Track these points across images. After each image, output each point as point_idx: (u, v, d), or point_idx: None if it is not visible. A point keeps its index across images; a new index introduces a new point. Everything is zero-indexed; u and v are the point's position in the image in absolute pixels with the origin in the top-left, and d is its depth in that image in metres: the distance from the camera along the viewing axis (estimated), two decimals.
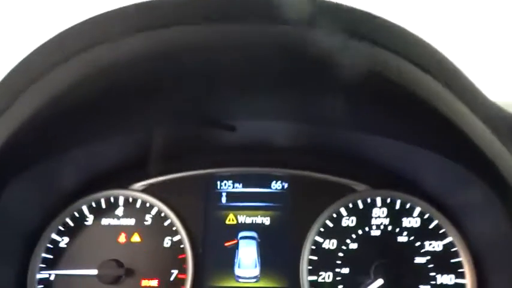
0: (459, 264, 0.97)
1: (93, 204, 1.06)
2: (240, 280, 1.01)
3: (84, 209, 1.06)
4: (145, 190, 1.08)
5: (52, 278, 1.00)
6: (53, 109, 0.65)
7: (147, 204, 1.06)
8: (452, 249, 0.99)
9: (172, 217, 1.05)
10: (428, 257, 0.99)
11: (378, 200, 1.04)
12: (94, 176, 1.06)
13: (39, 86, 0.63)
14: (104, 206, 1.06)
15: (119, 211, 1.06)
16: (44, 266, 1.00)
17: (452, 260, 0.98)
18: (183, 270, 1.01)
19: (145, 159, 1.07)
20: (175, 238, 1.03)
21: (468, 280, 0.96)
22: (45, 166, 0.89)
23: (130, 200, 1.07)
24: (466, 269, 0.97)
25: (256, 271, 1.02)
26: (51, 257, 1.01)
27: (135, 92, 0.71)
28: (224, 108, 0.81)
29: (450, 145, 0.78)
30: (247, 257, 1.03)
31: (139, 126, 0.85)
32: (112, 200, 1.07)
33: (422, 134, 0.84)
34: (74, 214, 1.05)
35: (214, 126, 0.84)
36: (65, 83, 0.62)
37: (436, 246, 1.00)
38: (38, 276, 0.99)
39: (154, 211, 1.06)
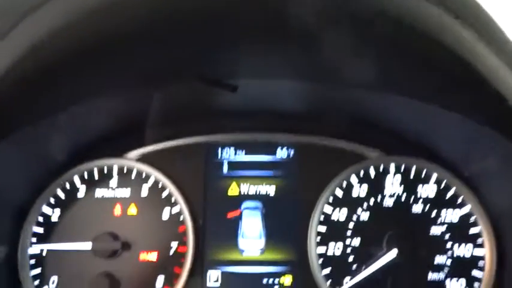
0: (477, 235, 0.91)
1: (85, 175, 0.99)
2: (244, 252, 0.95)
3: (76, 179, 0.99)
4: (141, 159, 1.00)
5: (44, 253, 0.94)
6: (32, 60, 0.56)
7: (143, 174, 0.99)
8: (471, 219, 0.93)
9: (171, 187, 0.98)
10: (445, 227, 0.92)
11: (391, 167, 0.97)
12: (85, 144, 0.98)
13: (17, 32, 0.54)
14: (96, 176, 0.99)
15: (113, 182, 0.99)
16: (35, 240, 0.94)
17: (470, 230, 0.92)
18: (183, 243, 0.95)
19: (140, 125, 0.99)
20: (174, 210, 0.97)
21: (487, 251, 0.90)
22: (30, 132, 0.81)
23: (125, 169, 0.99)
24: (485, 239, 0.91)
25: (261, 243, 0.96)
26: (42, 231, 0.95)
27: (126, 43, 0.61)
28: (226, 65, 0.72)
29: (474, 101, 0.70)
30: (251, 228, 0.97)
31: (132, 85, 0.76)
32: (105, 170, 0.99)
33: (443, 89, 0.75)
34: (65, 185, 0.98)
35: (215, 86, 0.75)
36: (45, 29, 0.53)
37: (454, 215, 0.93)
38: (30, 251, 0.94)
39: (151, 181, 0.98)
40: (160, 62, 0.68)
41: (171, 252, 0.94)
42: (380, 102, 0.89)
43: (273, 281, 0.93)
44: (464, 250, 0.91)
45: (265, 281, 0.94)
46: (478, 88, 0.62)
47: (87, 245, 0.92)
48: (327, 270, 0.92)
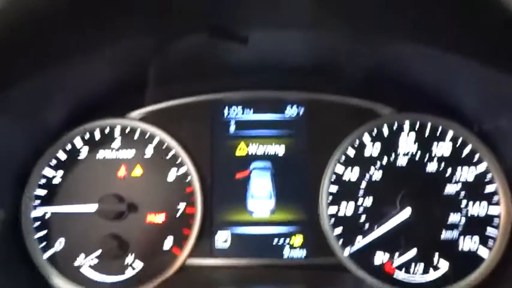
0: (493, 193, 0.89)
1: (87, 136, 0.95)
2: (253, 213, 0.93)
3: (77, 141, 0.95)
4: (144, 119, 0.96)
5: (48, 215, 0.92)
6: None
7: (147, 135, 0.95)
8: (487, 177, 0.90)
9: (176, 148, 0.94)
10: (460, 185, 0.90)
11: (406, 125, 0.93)
12: (85, 103, 0.93)
13: None
14: (98, 137, 0.95)
15: (116, 143, 0.95)
16: (38, 203, 0.92)
17: (486, 188, 0.90)
18: (191, 204, 0.92)
19: (143, 83, 0.94)
20: (181, 171, 0.94)
21: (503, 209, 0.88)
22: (28, 87, 0.76)
23: (128, 129, 0.95)
24: (501, 197, 0.89)
25: (271, 203, 0.93)
26: (45, 193, 0.92)
27: None
28: (236, 14, 0.66)
29: (496, 44, 0.65)
30: (260, 189, 0.94)
31: (138, 34, 0.70)
32: (107, 130, 0.95)
33: (464, 33, 0.70)
34: (66, 147, 0.94)
35: (225, 37, 0.69)
36: None
37: (469, 173, 0.90)
38: (33, 214, 0.91)
39: (155, 142, 0.95)
40: (167, 11, 0.62)
41: (179, 214, 0.92)
42: (395, 52, 0.84)
43: (283, 242, 0.92)
44: (479, 208, 0.89)
45: (275, 241, 0.92)
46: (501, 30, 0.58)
47: (92, 207, 0.90)
48: (339, 230, 0.90)
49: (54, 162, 0.94)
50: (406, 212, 0.87)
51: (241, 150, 0.96)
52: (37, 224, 0.91)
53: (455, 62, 0.78)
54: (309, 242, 0.92)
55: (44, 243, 0.91)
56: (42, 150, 0.94)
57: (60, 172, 0.93)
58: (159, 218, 0.92)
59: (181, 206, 0.93)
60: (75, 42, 0.65)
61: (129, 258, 0.90)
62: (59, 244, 0.91)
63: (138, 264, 0.90)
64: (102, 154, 0.94)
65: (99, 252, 0.89)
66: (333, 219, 0.91)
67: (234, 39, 0.70)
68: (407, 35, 0.76)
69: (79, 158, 0.94)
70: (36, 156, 0.94)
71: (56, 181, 0.93)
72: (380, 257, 0.89)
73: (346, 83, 0.96)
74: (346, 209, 0.91)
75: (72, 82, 0.84)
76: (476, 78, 0.82)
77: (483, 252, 0.87)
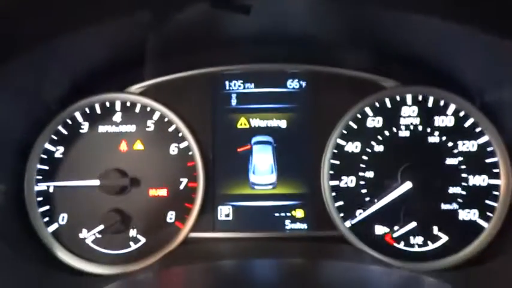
0: (494, 165, 0.90)
1: (87, 110, 0.94)
2: (255, 187, 0.94)
3: (77, 115, 0.94)
4: (144, 93, 0.95)
5: (51, 189, 0.92)
6: None
7: (148, 109, 0.95)
8: (488, 149, 0.90)
9: (178, 122, 0.94)
10: (461, 158, 0.90)
11: (408, 98, 0.93)
12: (84, 77, 0.92)
13: None
14: (99, 111, 0.94)
15: (117, 117, 0.94)
16: (40, 178, 0.92)
17: (487, 160, 0.90)
18: (193, 179, 0.93)
19: (141, 57, 0.92)
20: (182, 145, 0.94)
21: (503, 181, 0.89)
22: (28, 62, 0.75)
23: (128, 104, 0.95)
24: (502, 169, 0.89)
25: (273, 177, 0.94)
26: (47, 168, 0.92)
27: None
28: None
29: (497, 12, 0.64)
30: (262, 162, 0.94)
31: (135, 7, 0.68)
32: (108, 104, 0.94)
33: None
34: (67, 121, 0.94)
35: (227, 7, 0.67)
36: None
37: (471, 146, 0.91)
38: (36, 188, 0.92)
39: (156, 116, 0.94)
40: None
41: (181, 188, 0.93)
42: (399, 23, 0.82)
43: (285, 215, 0.93)
44: (479, 180, 0.90)
45: (276, 215, 0.93)
46: None
47: (94, 182, 0.90)
48: (340, 203, 0.91)
49: (55, 137, 0.93)
50: (407, 185, 0.87)
51: (243, 123, 0.96)
52: (40, 198, 0.92)
53: (454, 30, 0.76)
54: (310, 215, 0.93)
55: (47, 218, 0.91)
56: (43, 125, 0.94)
57: (62, 147, 0.93)
58: (161, 192, 0.93)
59: (183, 180, 0.93)
60: (73, 16, 0.64)
61: (132, 232, 0.92)
62: (62, 219, 0.92)
63: (141, 238, 0.92)
64: (103, 128, 0.94)
65: (101, 227, 0.90)
66: (334, 192, 0.92)
67: (236, 9, 0.68)
68: (406, 5, 0.74)
69: (80, 132, 0.94)
70: (37, 131, 0.94)
71: (57, 156, 0.93)
72: (380, 230, 0.90)
73: (349, 56, 0.95)
74: (348, 182, 0.92)
75: (70, 57, 0.82)
76: (476, 46, 0.81)
77: (482, 222, 0.89)
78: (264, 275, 0.69)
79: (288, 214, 0.93)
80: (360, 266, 0.77)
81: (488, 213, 0.89)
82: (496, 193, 0.89)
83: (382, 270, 0.77)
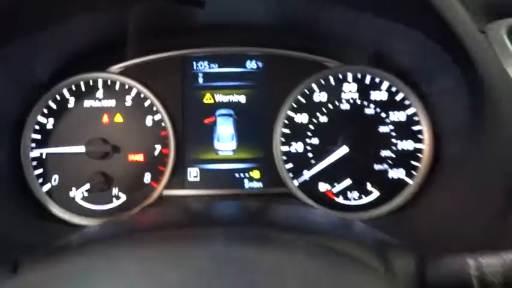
0: (419, 132, 1.06)
1: (73, 87, 1.09)
2: (219, 152, 1.10)
3: (65, 92, 1.09)
4: (122, 72, 1.10)
5: (44, 156, 1.08)
6: None
7: (126, 86, 1.10)
8: (415, 119, 1.07)
9: (152, 98, 1.09)
10: (392, 126, 1.07)
11: (349, 76, 1.09)
12: (69, 59, 1.06)
13: None
14: (83, 88, 1.09)
15: (99, 93, 1.10)
16: (34, 146, 1.08)
17: (413, 128, 1.06)
18: (166, 146, 1.09)
19: (120, 41, 1.07)
20: (157, 117, 1.09)
21: (426, 145, 1.05)
22: (19, 46, 0.89)
23: (109, 82, 1.10)
24: (425, 135, 1.06)
25: (234, 144, 1.10)
26: (39, 137, 1.07)
27: None
28: None
29: (431, 25, 0.80)
30: (225, 132, 1.10)
31: (102, 5, 0.83)
32: (91, 82, 1.09)
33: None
34: (56, 97, 1.09)
35: (181, 2, 0.82)
36: None
37: (400, 116, 1.07)
38: (31, 154, 1.07)
39: (133, 92, 1.09)
40: None
41: (156, 154, 1.09)
42: (344, 17, 0.98)
43: (244, 175, 1.10)
44: (407, 145, 1.06)
45: (237, 175, 1.10)
46: (425, 10, 0.71)
47: (81, 148, 1.06)
48: (290, 165, 1.08)
49: (46, 110, 1.08)
50: (344, 149, 1.04)
51: (208, 99, 1.11)
52: (35, 163, 1.07)
53: (386, 26, 0.92)
54: (265, 175, 1.09)
55: (41, 179, 1.07)
56: (35, 101, 1.08)
57: (52, 119, 1.08)
58: (138, 157, 1.09)
59: (158, 147, 1.09)
60: (55, 7, 0.78)
61: (114, 191, 1.08)
62: (54, 180, 1.08)
63: (122, 196, 1.08)
64: (87, 103, 1.09)
65: (88, 186, 1.06)
66: (284, 156, 1.08)
67: (190, 3, 0.82)
68: (341, 1, 0.89)
69: (67, 106, 1.09)
70: (30, 106, 1.08)
71: (49, 127, 1.08)
72: (323, 187, 1.07)
73: (299, 40, 1.10)
74: (297, 147, 1.08)
75: (56, 43, 0.97)
76: (407, 41, 0.96)
77: (408, 180, 1.06)
78: (225, 213, 0.83)
79: (246, 175, 1.10)
80: (303, 208, 0.94)
81: (413, 172, 1.06)
82: (420, 155, 1.06)
83: (322, 212, 0.94)
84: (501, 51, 0.80)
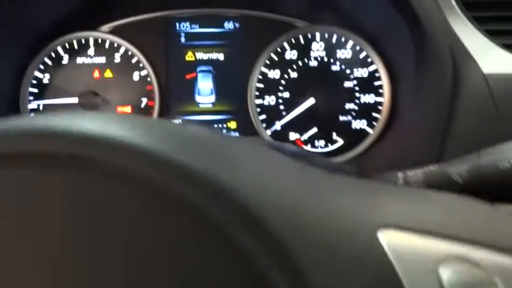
0: (380, 87, 1.18)
1: (67, 45, 1.20)
2: (199, 105, 1.22)
3: (59, 49, 1.19)
4: (112, 32, 1.21)
5: (41, 107, 1.19)
6: None
7: (115, 44, 1.20)
8: (376, 75, 1.18)
9: (139, 55, 1.20)
10: (356, 82, 1.18)
11: (317, 35, 1.19)
12: (63, 19, 1.17)
13: None
14: (76, 46, 1.20)
15: (91, 51, 1.20)
16: (32, 98, 1.19)
17: (375, 83, 1.18)
18: (151, 99, 1.20)
19: (109, 1, 1.17)
20: (143, 73, 1.20)
21: (385, 99, 1.17)
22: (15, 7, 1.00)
23: (100, 40, 1.20)
24: (385, 90, 1.17)
25: (212, 98, 1.21)
26: (37, 90, 1.19)
27: None
28: None
29: None
30: (205, 86, 1.21)
31: None
32: (83, 41, 1.20)
33: None
34: (51, 54, 1.19)
35: None
36: None
37: (363, 72, 1.18)
38: (29, 106, 1.19)
39: (122, 50, 1.20)
40: None
41: (142, 106, 1.20)
42: None
43: (222, 126, 1.22)
44: (368, 98, 1.18)
45: (216, 125, 1.22)
46: None
47: (74, 100, 1.17)
48: (263, 116, 1.19)
49: (42, 66, 1.19)
50: (311, 101, 1.16)
51: (190, 56, 1.22)
52: (32, 114, 1.19)
53: None
54: (241, 125, 1.21)
55: None
56: (33, 57, 1.19)
57: (48, 74, 1.19)
58: (126, 109, 1.20)
59: (144, 100, 1.20)
60: None
61: None
62: None
63: None
64: (80, 60, 1.20)
65: None
66: (258, 109, 1.20)
67: None
68: None
69: (62, 63, 1.20)
70: (28, 62, 1.19)
71: (45, 81, 1.19)
72: (293, 136, 1.19)
73: (272, 2, 1.20)
74: (269, 100, 1.20)
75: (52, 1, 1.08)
76: (369, 4, 1.07)
77: (369, 129, 1.18)
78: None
79: (225, 125, 1.22)
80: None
81: (374, 123, 1.18)
82: (380, 108, 1.17)
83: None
84: (443, 4, 0.92)
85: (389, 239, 0.30)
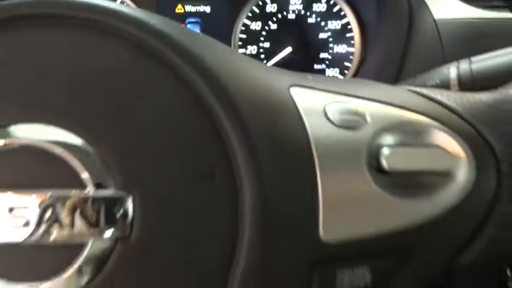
0: (351, 38, 1.30)
1: None
2: None
3: None
4: None
5: None
6: None
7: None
8: (348, 27, 1.29)
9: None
10: (330, 33, 1.30)
11: None
12: None
13: None
14: None
15: None
16: None
17: (347, 35, 1.30)
18: None
19: None
20: None
21: (356, 49, 1.29)
22: None
23: None
24: (356, 41, 1.29)
25: None
26: None
27: None
28: None
29: None
30: None
31: None
32: None
33: None
34: None
35: None
36: None
37: (337, 24, 1.30)
38: None
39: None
40: None
41: None
42: None
43: None
44: (341, 48, 1.30)
45: None
46: None
47: None
48: None
49: None
50: (288, 50, 1.28)
51: (179, 9, 1.34)
52: None
53: None
54: None
55: None
56: None
57: None
58: None
59: None
60: None
61: None
62: None
63: None
64: None
65: None
66: None
67: None
68: None
69: None
70: None
71: None
72: None
73: None
74: (251, 50, 1.32)
75: None
76: None
77: (341, 77, 1.30)
78: None
79: None
80: None
81: (345, 71, 1.30)
82: (351, 57, 1.29)
83: None
84: None
85: (297, 93, 0.44)
